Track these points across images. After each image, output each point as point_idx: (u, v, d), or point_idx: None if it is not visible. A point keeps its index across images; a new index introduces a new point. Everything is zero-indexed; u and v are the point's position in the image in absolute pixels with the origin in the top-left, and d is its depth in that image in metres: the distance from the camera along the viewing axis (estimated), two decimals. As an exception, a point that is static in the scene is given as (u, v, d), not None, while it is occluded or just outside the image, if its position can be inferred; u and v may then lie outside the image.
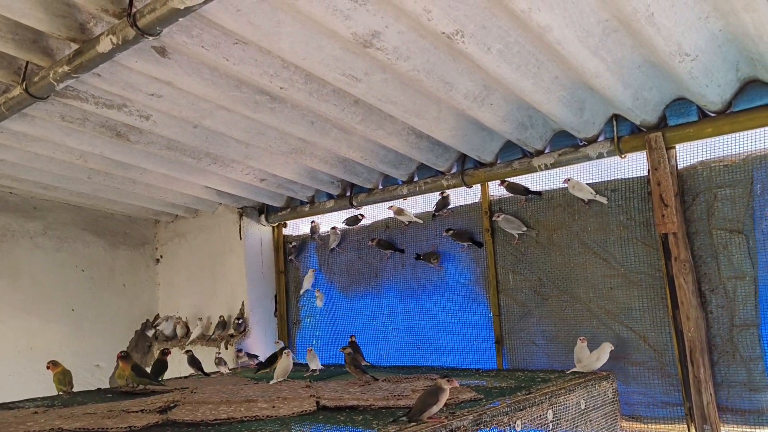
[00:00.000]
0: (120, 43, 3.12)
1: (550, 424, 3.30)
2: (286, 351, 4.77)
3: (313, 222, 6.43)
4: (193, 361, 5.42)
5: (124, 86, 3.87)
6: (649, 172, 4.10)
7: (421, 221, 5.56)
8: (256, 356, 6.09)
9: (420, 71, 3.50)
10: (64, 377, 4.53)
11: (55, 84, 3.60)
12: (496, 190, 5.06)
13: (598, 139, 4.29)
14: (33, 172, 5.59)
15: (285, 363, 4.63)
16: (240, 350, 6.22)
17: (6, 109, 3.99)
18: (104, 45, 3.18)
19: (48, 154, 5.02)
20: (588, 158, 4.34)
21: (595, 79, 3.46)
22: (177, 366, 5.95)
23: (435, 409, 2.74)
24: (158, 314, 7.49)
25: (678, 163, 4.10)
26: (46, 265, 6.68)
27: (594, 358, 3.99)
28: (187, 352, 5.54)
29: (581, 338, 4.25)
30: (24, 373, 6.13)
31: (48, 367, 4.55)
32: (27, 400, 4.36)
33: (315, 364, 5.01)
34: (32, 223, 6.62)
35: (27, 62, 3.77)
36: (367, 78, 3.71)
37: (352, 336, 5.10)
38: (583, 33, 3.09)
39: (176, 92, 4.02)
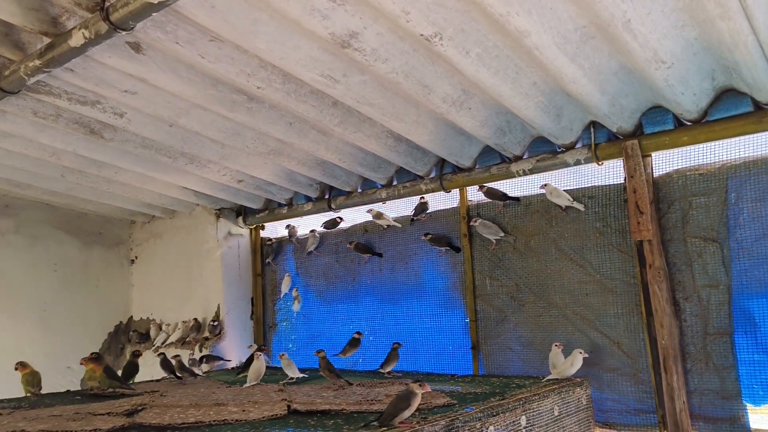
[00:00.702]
0: (92, 37, 3.05)
1: (524, 430, 3.28)
2: (257, 353, 4.69)
3: (289, 226, 6.39)
4: (166, 365, 5.33)
5: (98, 82, 3.80)
6: (625, 179, 4.13)
7: (399, 225, 5.54)
8: (219, 357, 6.05)
9: (398, 74, 3.48)
10: (32, 378, 4.43)
11: (26, 78, 3.52)
12: (474, 195, 5.05)
13: (576, 146, 4.31)
14: (5, 169, 5.46)
15: (257, 365, 4.56)
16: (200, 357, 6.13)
17: (-24, 103, 3.91)
18: (76, 39, 3.11)
19: (20, 151, 4.90)
20: (566, 165, 4.36)
21: (572, 85, 3.47)
22: (149, 369, 5.86)
23: (407, 413, 2.72)
24: (131, 316, 7.38)
25: (654, 171, 4.13)
26: (18, 264, 6.55)
27: (568, 364, 3.99)
28: (160, 354, 5.44)
29: (556, 344, 4.24)
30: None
31: (16, 368, 4.44)
32: (-8, 402, 4.26)
33: (293, 372, 4.66)
34: (4, 220, 6.49)
35: (-2, 55, 3.69)
36: (345, 79, 3.67)
37: (359, 333, 5.05)
38: (560, 39, 3.09)
39: (151, 89, 3.95)
